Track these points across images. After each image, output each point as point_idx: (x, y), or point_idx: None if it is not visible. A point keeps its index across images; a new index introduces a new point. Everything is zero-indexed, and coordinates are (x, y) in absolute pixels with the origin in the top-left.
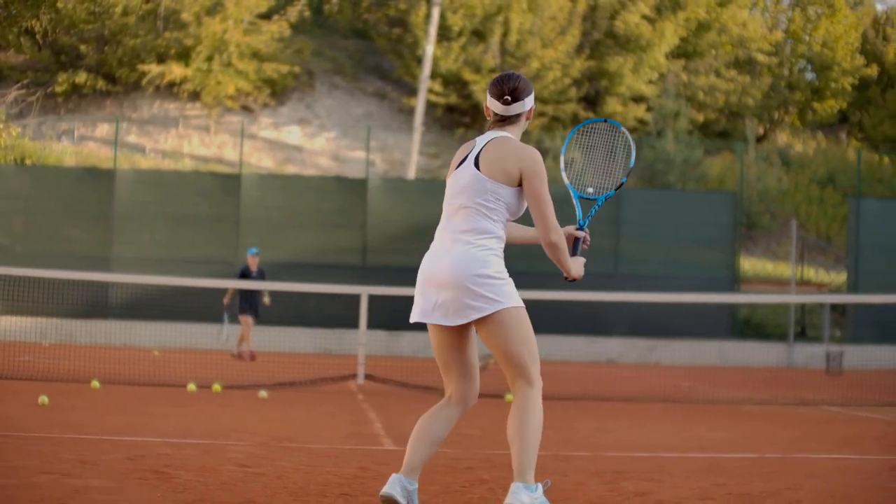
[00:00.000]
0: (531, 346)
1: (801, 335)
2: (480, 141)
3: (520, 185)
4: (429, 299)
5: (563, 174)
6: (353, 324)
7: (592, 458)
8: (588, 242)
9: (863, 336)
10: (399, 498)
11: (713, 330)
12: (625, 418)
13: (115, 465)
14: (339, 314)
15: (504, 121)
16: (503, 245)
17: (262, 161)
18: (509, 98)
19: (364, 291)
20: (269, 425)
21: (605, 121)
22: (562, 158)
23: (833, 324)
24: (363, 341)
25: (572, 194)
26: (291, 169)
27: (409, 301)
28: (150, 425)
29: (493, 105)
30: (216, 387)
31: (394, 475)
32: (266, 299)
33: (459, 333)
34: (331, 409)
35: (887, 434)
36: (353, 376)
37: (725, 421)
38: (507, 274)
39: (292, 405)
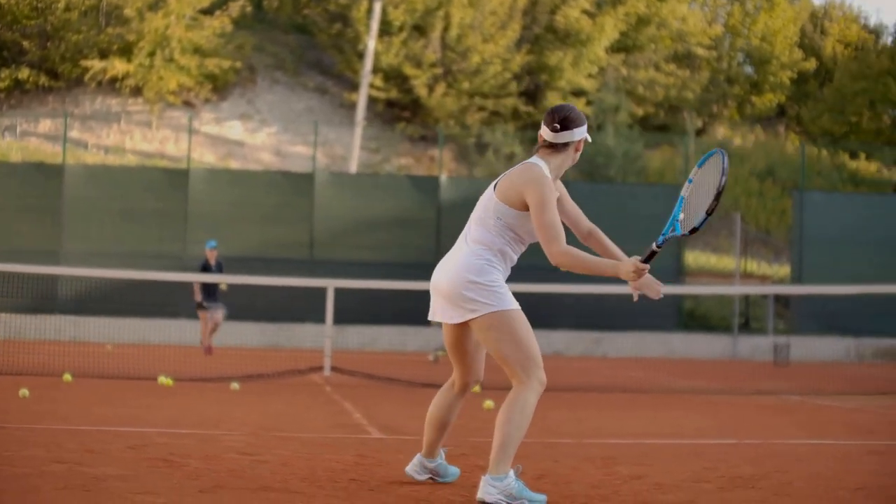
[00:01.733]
0: (525, 347)
1: (745, 327)
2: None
3: (527, 209)
4: (435, 299)
5: (686, 187)
6: (300, 318)
7: (578, 445)
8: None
9: (806, 328)
10: (418, 476)
11: (659, 322)
12: (594, 407)
13: (120, 454)
14: (286, 309)
15: (551, 147)
16: (505, 260)
17: (204, 156)
18: (558, 126)
19: (330, 284)
20: (253, 416)
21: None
22: (697, 170)
23: (776, 316)
24: (329, 334)
25: (676, 207)
26: (234, 164)
27: (354, 295)
28: (139, 416)
29: (543, 132)
30: (168, 381)
31: (416, 456)
32: (223, 285)
33: (460, 331)
34: (305, 400)
35: (854, 420)
36: (320, 368)
37: (694, 410)
38: (502, 282)
39: (265, 396)
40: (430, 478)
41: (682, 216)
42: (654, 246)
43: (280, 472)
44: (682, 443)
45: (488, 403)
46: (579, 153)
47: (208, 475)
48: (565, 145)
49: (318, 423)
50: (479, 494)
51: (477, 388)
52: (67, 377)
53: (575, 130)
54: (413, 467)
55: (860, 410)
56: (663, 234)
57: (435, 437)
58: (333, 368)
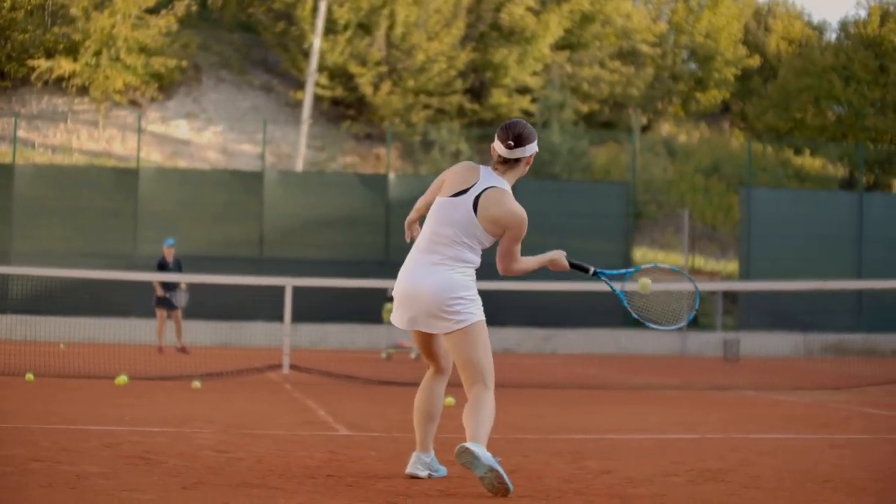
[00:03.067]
0: (489, 355)
1: (693, 323)
2: (483, 181)
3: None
4: (412, 311)
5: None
6: (249, 316)
7: (544, 441)
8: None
9: (753, 323)
10: (421, 473)
11: (608, 319)
12: (553, 403)
13: (96, 452)
14: (236, 307)
15: (505, 163)
16: (476, 269)
17: (150, 155)
18: (512, 143)
19: (288, 283)
20: (219, 414)
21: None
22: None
23: (724, 311)
24: (288, 332)
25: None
26: (180, 163)
27: (303, 293)
28: (106, 415)
29: (497, 147)
30: (121, 379)
31: (413, 454)
32: (182, 284)
33: (433, 336)
34: (267, 397)
35: (810, 415)
36: (279, 366)
37: (653, 405)
38: (477, 293)
39: (227, 394)
40: (430, 473)
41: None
42: (591, 269)
43: (257, 469)
44: (646, 438)
45: (449, 400)
46: (529, 166)
47: (187, 472)
48: (517, 161)
49: (285, 421)
50: (463, 444)
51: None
52: (29, 376)
53: (527, 147)
54: (413, 466)
55: (815, 405)
56: (605, 274)
57: (426, 430)
58: (292, 366)
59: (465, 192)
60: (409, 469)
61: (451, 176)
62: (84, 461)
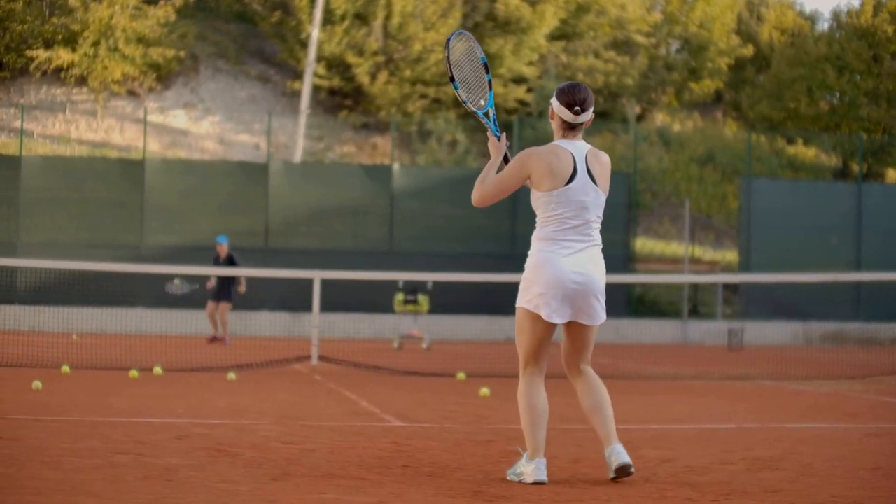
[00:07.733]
0: None
1: (694, 312)
2: (578, 153)
3: None
4: (584, 300)
5: (460, 93)
6: (256, 306)
7: (591, 430)
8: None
9: (753, 313)
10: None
11: (610, 308)
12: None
13: (171, 444)
14: (242, 297)
15: (572, 128)
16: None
17: (149, 145)
18: (579, 109)
19: (316, 276)
20: (267, 405)
21: (460, 32)
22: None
23: (723, 301)
24: (316, 323)
25: (477, 113)
26: (179, 153)
27: (308, 283)
28: (159, 407)
29: (561, 112)
30: (134, 372)
31: (540, 461)
32: (241, 288)
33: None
34: (304, 389)
35: (835, 405)
36: (307, 357)
37: (676, 395)
38: None
39: (264, 386)
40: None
41: (482, 102)
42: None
43: (333, 459)
44: (688, 427)
45: (484, 391)
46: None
47: (269, 464)
48: (581, 124)
49: (334, 412)
50: (627, 459)
51: (461, 376)
52: (65, 368)
53: (590, 111)
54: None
55: (835, 395)
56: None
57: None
58: (321, 357)
59: (576, 172)
60: (543, 477)
61: (548, 167)
62: (165, 453)
